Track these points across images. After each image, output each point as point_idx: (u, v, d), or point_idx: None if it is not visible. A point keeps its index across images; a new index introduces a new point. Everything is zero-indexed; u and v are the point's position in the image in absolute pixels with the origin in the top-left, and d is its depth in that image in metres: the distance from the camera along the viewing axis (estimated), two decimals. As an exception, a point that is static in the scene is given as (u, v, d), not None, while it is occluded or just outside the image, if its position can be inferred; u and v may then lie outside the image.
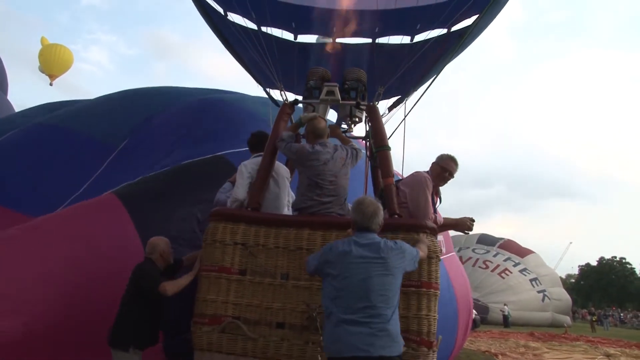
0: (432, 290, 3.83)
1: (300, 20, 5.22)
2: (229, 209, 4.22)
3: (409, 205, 4.15)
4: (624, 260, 70.19)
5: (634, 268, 68.58)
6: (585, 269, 73.94)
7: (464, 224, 4.42)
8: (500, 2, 5.13)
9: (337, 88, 4.47)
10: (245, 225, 4.00)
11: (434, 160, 4.43)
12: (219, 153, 5.99)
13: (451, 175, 4.39)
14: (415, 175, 4.27)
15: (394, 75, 4.56)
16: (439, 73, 5.04)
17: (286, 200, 4.43)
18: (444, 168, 4.35)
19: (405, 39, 5.64)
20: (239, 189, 4.23)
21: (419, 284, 3.80)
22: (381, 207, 3.41)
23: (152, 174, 5.79)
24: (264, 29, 5.24)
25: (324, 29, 5.66)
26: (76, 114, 7.36)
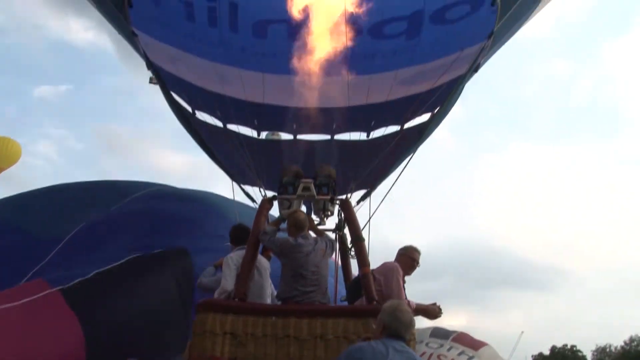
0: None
1: (262, 118, 5.72)
2: (218, 299, 4.44)
3: (383, 292, 4.49)
4: (575, 348, 71.22)
5: (584, 355, 69.54)
6: (539, 359, 74.40)
7: (434, 311, 4.79)
8: (452, 102, 5.82)
9: (312, 184, 4.89)
10: (233, 316, 4.20)
11: (398, 252, 4.87)
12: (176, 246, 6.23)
13: (418, 264, 4.81)
14: (387, 265, 4.66)
15: (365, 170, 5.05)
16: (405, 165, 5.60)
17: (269, 291, 4.69)
18: (412, 258, 4.79)
19: (363, 135, 6.30)
20: (227, 280, 4.48)
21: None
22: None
23: (104, 268, 5.78)
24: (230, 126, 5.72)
25: (285, 126, 6.26)
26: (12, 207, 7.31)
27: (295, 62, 5.85)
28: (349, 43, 5.61)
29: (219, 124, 6.12)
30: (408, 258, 4.77)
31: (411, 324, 3.04)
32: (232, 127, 6.20)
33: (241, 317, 4.20)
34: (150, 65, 5.90)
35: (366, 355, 2.82)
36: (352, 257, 4.83)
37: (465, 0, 5.68)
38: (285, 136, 6.60)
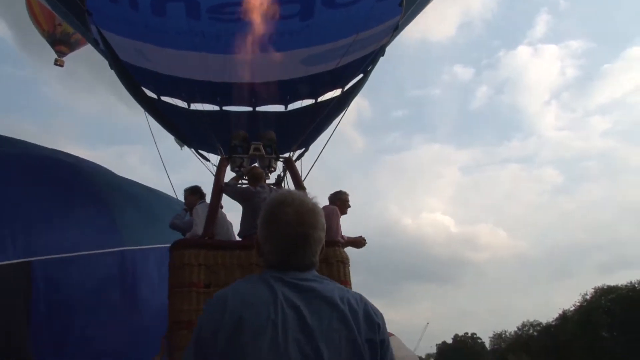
0: (347, 286, 5.29)
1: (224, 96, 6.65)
2: (192, 239, 5.34)
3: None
4: (475, 335, 77.73)
5: (483, 342, 76.03)
6: (442, 348, 79.95)
7: (361, 242, 6.02)
8: (364, 79, 7.02)
9: (261, 145, 5.91)
10: (205, 251, 5.13)
11: (332, 196, 6.06)
12: None
13: (349, 204, 6.03)
14: (327, 207, 5.82)
15: (302, 135, 6.16)
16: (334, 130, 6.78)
17: (232, 232, 5.68)
18: (345, 200, 5.98)
19: (281, 108, 7.42)
20: (198, 226, 5.40)
21: (339, 282, 5.25)
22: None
23: None
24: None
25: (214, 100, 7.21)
26: None
27: (200, 41, 6.83)
28: (247, 21, 6.42)
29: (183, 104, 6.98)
30: (342, 200, 5.96)
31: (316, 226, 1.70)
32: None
33: (212, 252, 5.15)
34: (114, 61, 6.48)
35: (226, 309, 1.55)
36: None
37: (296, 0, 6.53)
38: (211, 107, 7.55)
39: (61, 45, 19.65)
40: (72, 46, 19.83)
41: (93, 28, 6.12)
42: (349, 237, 5.98)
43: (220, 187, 5.62)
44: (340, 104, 7.18)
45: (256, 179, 5.61)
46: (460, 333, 79.37)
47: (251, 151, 5.91)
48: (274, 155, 6.02)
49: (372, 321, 1.63)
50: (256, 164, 6.00)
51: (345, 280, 5.28)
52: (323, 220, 1.70)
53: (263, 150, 5.95)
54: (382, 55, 7.15)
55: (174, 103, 7.24)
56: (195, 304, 4.93)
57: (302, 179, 5.98)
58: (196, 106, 7.26)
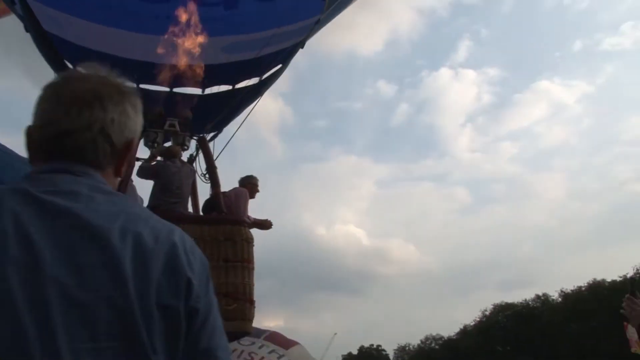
0: (250, 265, 5.49)
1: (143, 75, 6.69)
2: None
3: (232, 208, 5.82)
4: (380, 347, 79.05)
5: (388, 354, 77.48)
6: (348, 358, 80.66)
7: (267, 224, 6.23)
8: (279, 71, 7.27)
9: (177, 122, 6.01)
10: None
11: (242, 180, 6.24)
12: None
13: (259, 189, 6.23)
14: (237, 189, 6.02)
15: (216, 117, 6.30)
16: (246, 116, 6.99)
17: (139, 202, 5.72)
18: (255, 184, 6.18)
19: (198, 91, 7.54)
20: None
21: (242, 260, 5.43)
22: None
23: None
24: None
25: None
26: None
27: (121, 17, 6.88)
28: (170, 5, 6.59)
29: None
30: (252, 185, 6.16)
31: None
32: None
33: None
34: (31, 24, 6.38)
35: None
36: (207, 181, 6.04)
37: None
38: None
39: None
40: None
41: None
42: (255, 219, 6.17)
43: (132, 161, 5.66)
44: (256, 92, 7.39)
45: (171, 154, 5.70)
46: (366, 345, 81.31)
47: (166, 126, 5.99)
48: (188, 133, 6.12)
49: (179, 273, 1.03)
50: (171, 143, 6.09)
51: (248, 259, 5.45)
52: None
53: (178, 127, 6.04)
54: (302, 47, 7.41)
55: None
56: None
57: (214, 159, 6.12)
58: (112, 81, 7.22)
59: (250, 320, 5.35)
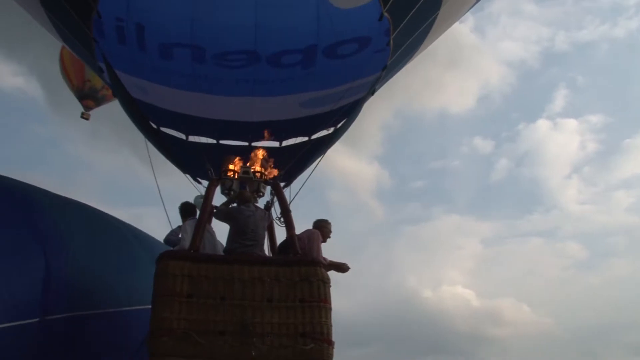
0: (327, 305, 5.48)
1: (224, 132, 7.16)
2: (178, 251, 5.62)
3: (305, 250, 5.91)
4: None
5: None
6: None
7: (344, 267, 6.24)
8: (352, 119, 7.46)
9: (250, 169, 6.26)
10: (190, 263, 5.38)
11: (316, 223, 6.39)
12: None
13: (330, 233, 6.33)
14: (310, 230, 6.12)
15: (287, 166, 6.56)
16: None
17: (219, 248, 5.94)
18: (328, 229, 6.29)
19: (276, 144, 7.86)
20: (186, 241, 5.69)
21: (319, 300, 5.44)
22: None
23: None
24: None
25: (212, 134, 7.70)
26: None
27: (202, 82, 7.37)
28: (249, 70, 7.12)
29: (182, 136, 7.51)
30: (324, 229, 6.26)
31: None
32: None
33: (195, 264, 5.39)
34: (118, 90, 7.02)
35: None
36: (281, 224, 6.18)
37: (354, 40, 7.07)
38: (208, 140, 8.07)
39: (88, 99, 20.59)
40: (98, 101, 20.76)
41: (99, 55, 6.62)
42: (331, 261, 6.20)
43: (208, 205, 5.93)
44: (329, 141, 7.60)
45: (243, 200, 5.93)
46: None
47: (240, 174, 6.25)
48: (262, 179, 6.34)
49: None
50: (245, 188, 6.33)
51: (325, 299, 5.45)
52: None
53: (251, 174, 6.29)
54: (372, 95, 7.60)
55: (172, 134, 7.73)
56: (177, 312, 5.14)
57: (288, 203, 6.28)
58: (194, 138, 7.72)
59: (330, 360, 5.29)
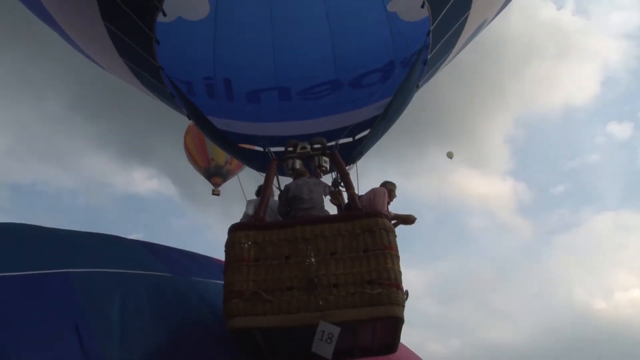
0: (393, 252, 5.40)
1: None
2: (244, 222, 5.93)
3: (371, 205, 5.95)
4: None
5: None
6: None
7: (410, 219, 6.15)
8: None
9: (308, 145, 6.51)
10: (255, 231, 5.64)
11: (383, 183, 6.40)
12: None
13: (395, 194, 6.34)
14: (375, 188, 6.25)
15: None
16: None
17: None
18: (393, 190, 6.34)
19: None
20: (249, 210, 6.05)
21: (383, 247, 5.39)
22: None
23: None
24: None
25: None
26: None
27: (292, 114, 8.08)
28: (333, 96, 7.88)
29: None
30: (389, 189, 6.31)
31: None
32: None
33: (260, 231, 5.64)
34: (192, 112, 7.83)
35: None
36: (342, 187, 6.28)
37: (377, 70, 7.61)
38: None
39: (216, 177, 22.43)
40: (224, 176, 22.52)
41: (167, 82, 7.39)
42: (397, 214, 6.13)
43: (270, 184, 6.22)
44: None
45: (298, 175, 6.24)
46: None
47: (298, 150, 6.51)
48: (319, 151, 6.53)
49: None
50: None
51: (389, 246, 5.39)
52: None
53: (308, 147, 6.52)
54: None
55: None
56: (245, 275, 5.38)
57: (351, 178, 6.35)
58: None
59: (400, 305, 5.14)
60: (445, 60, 8.27)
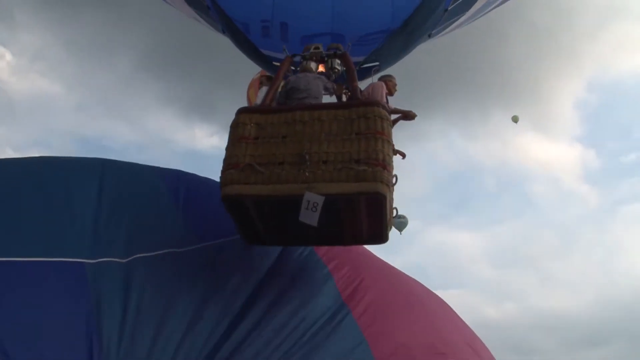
0: (384, 137, 5.58)
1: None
2: (250, 106, 6.29)
3: (368, 97, 6.14)
4: None
5: None
6: None
7: (410, 114, 6.28)
8: None
9: (321, 45, 6.76)
10: (259, 114, 5.98)
11: (381, 77, 6.66)
12: None
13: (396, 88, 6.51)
14: (374, 82, 6.39)
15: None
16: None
17: None
18: (394, 82, 6.45)
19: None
20: (258, 99, 6.38)
21: (375, 132, 5.58)
22: None
23: None
24: None
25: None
26: None
27: None
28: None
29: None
30: (389, 82, 6.43)
31: None
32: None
33: (263, 114, 5.97)
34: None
35: None
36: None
37: None
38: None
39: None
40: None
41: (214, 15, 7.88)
42: (397, 108, 6.26)
43: (280, 76, 6.50)
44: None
45: (302, 69, 6.50)
46: None
47: (311, 49, 6.76)
48: (331, 52, 6.75)
49: None
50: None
51: (381, 132, 5.58)
52: None
53: (322, 49, 6.74)
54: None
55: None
56: (243, 150, 5.73)
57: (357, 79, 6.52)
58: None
59: (384, 183, 5.32)
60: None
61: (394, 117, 6.28)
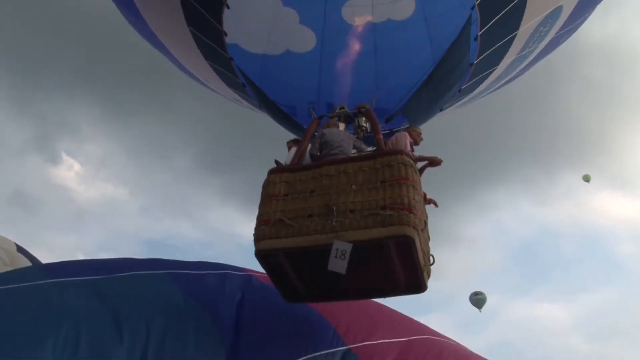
0: (408, 182, 5.67)
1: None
2: (280, 166, 6.54)
3: (392, 147, 6.30)
4: None
5: None
6: None
7: (436, 160, 6.34)
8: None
9: (346, 105, 7.03)
10: (288, 173, 6.22)
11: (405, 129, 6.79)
12: None
13: (421, 137, 6.64)
14: (398, 133, 6.52)
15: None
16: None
17: None
18: (419, 132, 6.58)
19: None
20: (288, 159, 6.63)
21: (399, 178, 5.68)
22: None
23: None
24: None
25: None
26: None
27: None
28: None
29: None
30: (414, 132, 6.56)
31: None
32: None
33: (292, 173, 6.20)
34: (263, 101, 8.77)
35: None
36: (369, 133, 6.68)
37: None
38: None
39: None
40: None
41: (237, 72, 8.35)
42: (421, 155, 6.33)
43: (307, 138, 6.75)
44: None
45: (329, 125, 6.72)
46: None
47: (337, 110, 7.02)
48: (355, 110, 6.98)
49: None
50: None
51: (405, 177, 5.68)
52: None
53: (347, 109, 6.99)
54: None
55: None
56: (274, 207, 5.94)
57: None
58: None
59: (411, 226, 5.34)
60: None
61: (420, 165, 6.38)
